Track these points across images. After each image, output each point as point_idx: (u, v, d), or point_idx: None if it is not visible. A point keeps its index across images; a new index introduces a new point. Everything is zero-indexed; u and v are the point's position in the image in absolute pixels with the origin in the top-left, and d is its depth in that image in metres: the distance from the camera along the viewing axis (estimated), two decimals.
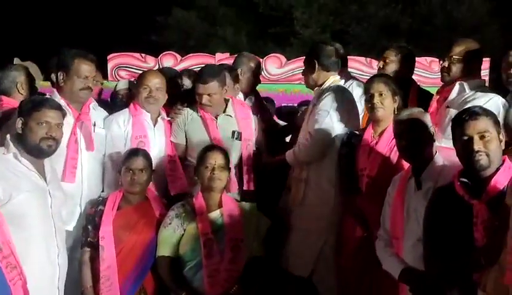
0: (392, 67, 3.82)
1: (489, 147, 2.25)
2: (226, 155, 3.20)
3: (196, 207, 3.10)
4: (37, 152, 2.76)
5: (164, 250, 3.07)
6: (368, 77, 3.69)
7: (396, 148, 2.91)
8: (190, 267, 3.02)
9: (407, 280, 2.55)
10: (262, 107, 4.30)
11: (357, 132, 3.28)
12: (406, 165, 2.81)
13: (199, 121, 3.62)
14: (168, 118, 3.69)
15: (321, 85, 3.55)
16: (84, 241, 3.14)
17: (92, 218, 3.15)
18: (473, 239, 2.22)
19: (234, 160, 3.54)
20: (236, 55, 4.76)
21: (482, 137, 2.26)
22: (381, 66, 3.90)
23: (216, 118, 3.61)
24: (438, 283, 2.35)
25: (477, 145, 2.25)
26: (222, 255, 2.98)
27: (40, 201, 2.73)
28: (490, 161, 2.26)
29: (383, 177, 2.93)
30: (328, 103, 3.37)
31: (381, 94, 3.09)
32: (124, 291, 3.02)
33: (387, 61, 3.85)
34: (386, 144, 3.04)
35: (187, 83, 4.12)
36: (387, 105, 3.09)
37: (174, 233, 3.08)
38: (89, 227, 3.14)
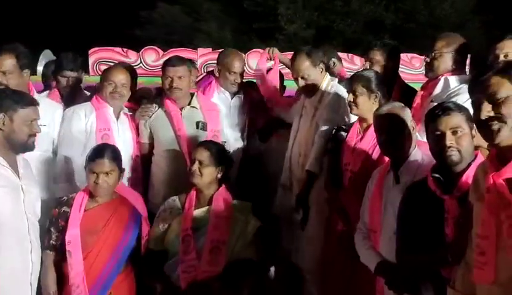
0: (378, 68, 3.83)
1: (461, 143, 2.27)
2: (211, 152, 3.13)
3: (185, 202, 3.10)
4: (23, 149, 2.77)
5: (150, 243, 3.09)
6: (351, 73, 3.74)
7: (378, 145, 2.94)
8: (171, 263, 3.02)
9: (382, 273, 2.56)
10: (254, 104, 4.17)
11: (344, 127, 3.29)
12: (387, 160, 2.83)
13: (164, 116, 3.64)
14: (131, 113, 3.72)
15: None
16: (47, 244, 2.96)
17: (55, 220, 2.99)
18: (444, 234, 2.25)
19: None
20: (218, 51, 4.72)
21: (454, 132, 2.28)
22: (368, 67, 3.90)
23: (182, 110, 3.63)
24: (411, 276, 2.37)
25: (449, 140, 2.26)
26: (199, 255, 2.95)
27: (12, 197, 2.69)
28: (462, 157, 2.27)
29: (365, 173, 2.94)
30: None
31: (355, 93, 3.12)
32: None
33: (373, 61, 3.85)
34: (370, 140, 3.06)
35: None
36: (361, 103, 3.11)
37: (159, 227, 3.09)
38: (52, 229, 2.98)
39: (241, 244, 3.03)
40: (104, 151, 3.02)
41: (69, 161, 3.44)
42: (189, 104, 3.67)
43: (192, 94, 3.75)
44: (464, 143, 2.28)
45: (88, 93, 4.07)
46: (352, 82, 3.18)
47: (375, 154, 3.03)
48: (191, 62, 4.05)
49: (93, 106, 3.56)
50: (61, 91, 4.00)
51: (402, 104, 2.83)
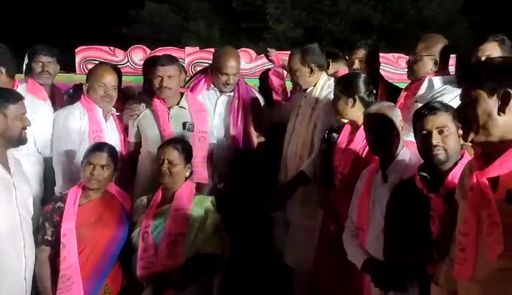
0: (361, 67, 3.87)
1: (447, 142, 2.30)
2: (180, 150, 3.14)
3: (151, 201, 3.15)
4: (18, 143, 2.84)
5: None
6: None
7: (367, 146, 2.95)
8: (133, 259, 3.07)
9: (368, 270, 2.59)
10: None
11: (336, 128, 3.31)
12: (376, 160, 2.84)
13: (151, 116, 3.63)
14: (118, 114, 3.71)
15: (315, 84, 3.63)
16: (41, 239, 3.03)
17: (49, 215, 3.05)
18: (430, 232, 2.27)
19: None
20: (206, 49, 4.73)
21: (440, 132, 2.30)
22: (357, 67, 3.93)
23: (170, 110, 3.62)
24: (397, 274, 2.39)
25: (435, 139, 2.29)
26: (157, 250, 2.99)
27: (4, 193, 2.71)
28: (448, 156, 2.30)
29: (354, 175, 2.95)
30: None
31: (336, 97, 3.15)
32: (86, 290, 2.94)
33: (357, 60, 3.90)
34: (359, 142, 3.07)
35: None
36: (341, 106, 3.13)
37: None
38: (46, 224, 3.04)
39: (201, 237, 3.05)
40: (104, 146, 3.18)
41: (67, 160, 3.45)
42: (178, 103, 3.65)
43: (182, 94, 3.72)
44: (451, 142, 2.30)
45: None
46: (334, 89, 3.22)
47: (364, 155, 3.04)
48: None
49: (84, 107, 3.54)
50: (36, 79, 3.93)
51: (392, 104, 2.85)
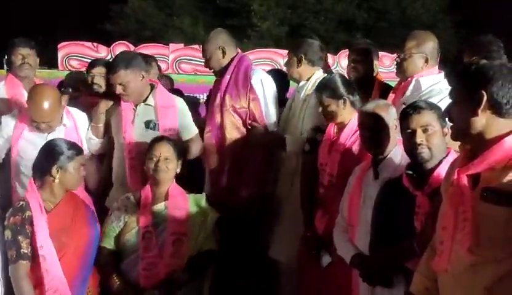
0: (359, 65, 3.84)
1: (431, 141, 2.32)
2: (173, 146, 3.10)
3: (141, 199, 3.05)
4: None
5: (104, 241, 3.01)
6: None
7: (354, 144, 2.97)
8: (129, 260, 2.96)
9: (356, 265, 2.60)
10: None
11: (320, 127, 3.30)
12: (365, 159, 2.85)
13: (119, 114, 3.46)
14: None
15: (307, 79, 3.60)
16: (16, 255, 2.69)
17: (20, 228, 2.72)
18: (415, 228, 2.31)
19: None
20: (190, 46, 4.70)
21: (425, 130, 2.32)
22: (352, 64, 3.90)
23: (137, 107, 3.44)
24: (383, 268, 2.42)
25: (420, 138, 2.31)
26: (161, 250, 2.92)
27: None
28: (432, 154, 2.32)
29: (343, 174, 2.94)
30: None
31: (323, 105, 3.12)
32: None
33: (354, 59, 3.87)
34: (345, 141, 3.05)
35: None
36: (334, 109, 3.08)
37: (112, 226, 3.02)
38: (19, 237, 2.70)
39: (203, 235, 3.03)
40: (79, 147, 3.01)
41: None
42: (145, 100, 3.45)
43: (152, 87, 3.52)
44: (435, 141, 2.32)
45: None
46: (317, 94, 3.17)
47: (353, 154, 3.03)
48: (146, 58, 3.85)
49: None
50: (17, 76, 3.78)
51: (388, 103, 2.84)
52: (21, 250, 2.68)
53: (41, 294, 2.68)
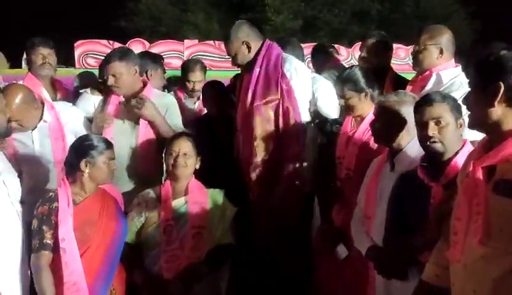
0: (372, 57, 3.80)
1: (443, 133, 2.31)
2: (193, 142, 3.13)
3: (161, 194, 3.09)
4: (3, 135, 2.84)
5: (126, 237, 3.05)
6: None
7: (372, 138, 2.93)
8: (152, 256, 3.00)
9: (372, 257, 2.61)
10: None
11: (337, 120, 3.31)
12: (382, 153, 2.85)
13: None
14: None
15: None
16: (39, 244, 2.72)
17: (46, 218, 2.76)
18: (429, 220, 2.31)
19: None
20: (205, 42, 4.74)
21: (437, 123, 2.32)
22: (365, 55, 3.88)
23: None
24: (397, 261, 2.43)
25: (432, 131, 2.31)
26: (182, 243, 2.96)
27: None
28: (446, 147, 2.32)
29: (361, 168, 2.94)
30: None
31: (345, 97, 3.11)
32: (94, 292, 2.74)
33: (367, 50, 3.83)
34: (363, 134, 3.06)
35: None
36: (354, 106, 3.10)
37: (133, 222, 3.06)
38: (44, 227, 2.75)
39: (221, 229, 3.07)
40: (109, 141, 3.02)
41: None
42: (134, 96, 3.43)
43: (145, 85, 3.53)
44: (448, 133, 2.31)
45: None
46: (338, 87, 3.16)
47: (370, 147, 3.02)
48: (152, 58, 3.99)
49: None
50: (37, 75, 3.85)
51: (409, 95, 2.77)
52: (44, 240, 2.72)
53: (59, 285, 2.68)
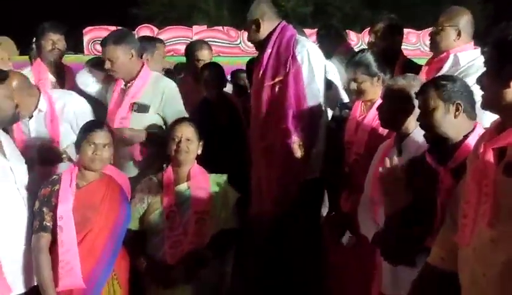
0: (381, 42, 3.75)
1: (431, 119, 2.30)
2: (195, 127, 3.11)
3: (163, 180, 3.09)
4: (11, 122, 2.92)
5: (129, 223, 3.03)
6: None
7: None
8: (155, 242, 3.01)
9: (378, 243, 2.58)
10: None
11: (348, 104, 3.27)
12: (392, 136, 2.82)
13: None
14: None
15: None
16: (39, 226, 2.76)
17: (46, 199, 2.80)
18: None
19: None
20: (213, 28, 4.71)
21: (426, 109, 2.32)
22: (373, 40, 3.83)
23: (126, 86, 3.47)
24: (404, 247, 2.38)
25: (421, 118, 2.35)
26: (185, 228, 2.96)
27: (3, 180, 2.71)
28: (439, 132, 2.29)
29: (370, 153, 2.91)
30: None
31: (356, 81, 3.09)
32: (95, 276, 2.76)
33: (377, 35, 3.77)
34: (373, 120, 3.03)
35: None
36: (366, 90, 3.07)
37: (136, 208, 3.06)
38: (44, 209, 2.78)
39: (224, 214, 3.06)
40: (103, 123, 3.02)
41: None
42: (134, 79, 3.45)
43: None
44: (436, 119, 2.28)
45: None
46: (350, 70, 3.12)
47: (379, 133, 3.00)
48: (150, 40, 3.98)
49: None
50: (46, 60, 3.85)
51: (418, 81, 2.70)
52: (44, 222, 2.77)
53: (57, 267, 2.71)
